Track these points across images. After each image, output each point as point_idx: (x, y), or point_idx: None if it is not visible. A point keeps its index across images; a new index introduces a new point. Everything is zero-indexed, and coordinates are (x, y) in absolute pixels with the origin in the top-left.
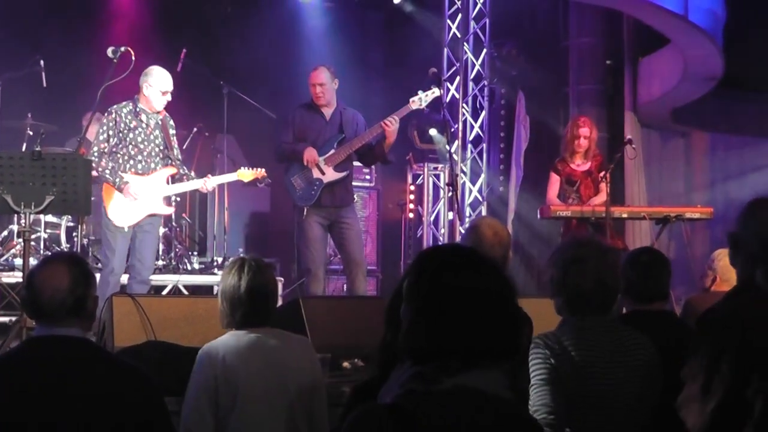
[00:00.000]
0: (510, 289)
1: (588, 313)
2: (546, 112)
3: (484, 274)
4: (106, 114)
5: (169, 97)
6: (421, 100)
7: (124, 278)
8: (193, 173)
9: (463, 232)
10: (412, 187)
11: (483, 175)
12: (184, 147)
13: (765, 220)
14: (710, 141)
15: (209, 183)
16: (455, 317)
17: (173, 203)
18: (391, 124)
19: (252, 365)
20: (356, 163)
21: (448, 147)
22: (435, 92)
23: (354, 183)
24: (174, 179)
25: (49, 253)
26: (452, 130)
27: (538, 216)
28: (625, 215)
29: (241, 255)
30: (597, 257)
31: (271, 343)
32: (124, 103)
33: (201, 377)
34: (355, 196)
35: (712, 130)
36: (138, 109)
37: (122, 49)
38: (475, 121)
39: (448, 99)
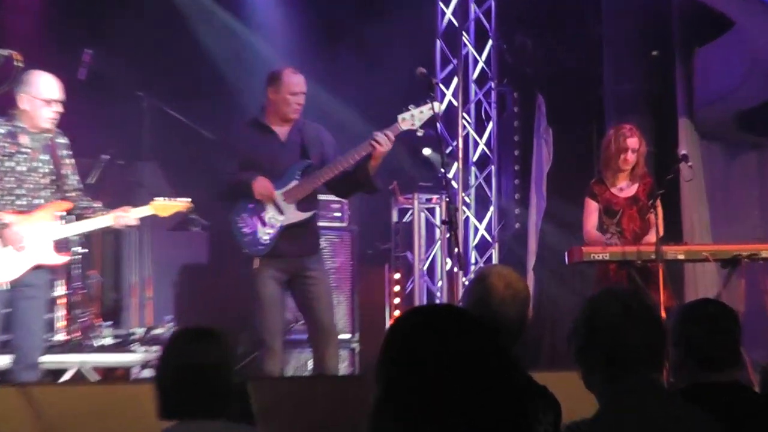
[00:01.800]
0: (509, 360)
1: (631, 372)
2: (574, 122)
3: (471, 341)
4: None
5: (57, 108)
6: (414, 117)
7: (4, 360)
8: (99, 204)
9: (467, 284)
10: (398, 227)
11: (492, 208)
12: (92, 180)
13: None
14: None
15: (124, 219)
16: (431, 398)
17: (72, 251)
18: (384, 144)
19: None
20: (323, 197)
21: (444, 171)
22: (433, 107)
23: (320, 223)
24: (71, 216)
25: None
26: (450, 148)
27: (566, 260)
28: (681, 256)
29: (169, 323)
30: (637, 311)
31: None
32: None
33: None
34: (322, 240)
35: None
36: (17, 130)
37: (5, 53)
38: (480, 136)
39: (443, 107)
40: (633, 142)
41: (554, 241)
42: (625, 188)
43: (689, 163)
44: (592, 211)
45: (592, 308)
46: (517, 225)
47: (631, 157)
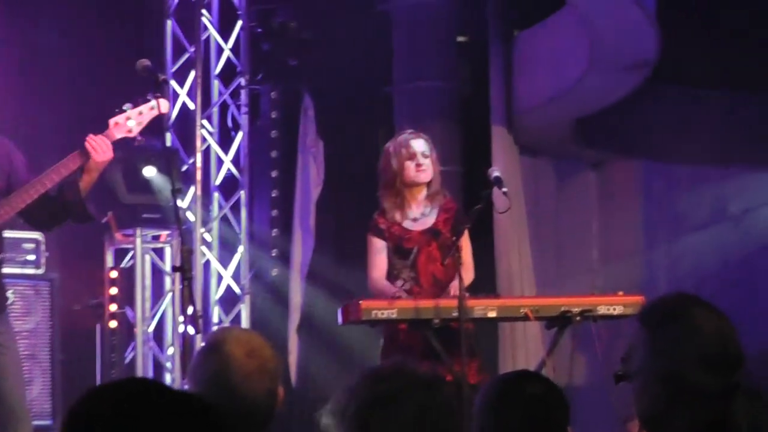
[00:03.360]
0: None
1: None
2: (354, 131)
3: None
4: None
5: None
6: (131, 120)
7: None
8: None
9: (195, 356)
10: (115, 273)
11: (242, 249)
12: None
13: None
14: (643, 175)
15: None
16: None
17: None
18: (99, 150)
19: None
20: (10, 234)
21: (175, 199)
22: (155, 106)
23: (7, 269)
24: None
25: None
26: (185, 167)
27: (340, 320)
28: (492, 313)
29: None
30: (416, 395)
31: None
32: None
33: None
34: (10, 293)
35: (646, 154)
36: None
37: None
38: (226, 151)
39: (175, 112)
40: (419, 144)
41: (326, 293)
42: (419, 218)
43: (503, 189)
44: (377, 252)
45: (350, 395)
46: (275, 271)
47: (423, 162)
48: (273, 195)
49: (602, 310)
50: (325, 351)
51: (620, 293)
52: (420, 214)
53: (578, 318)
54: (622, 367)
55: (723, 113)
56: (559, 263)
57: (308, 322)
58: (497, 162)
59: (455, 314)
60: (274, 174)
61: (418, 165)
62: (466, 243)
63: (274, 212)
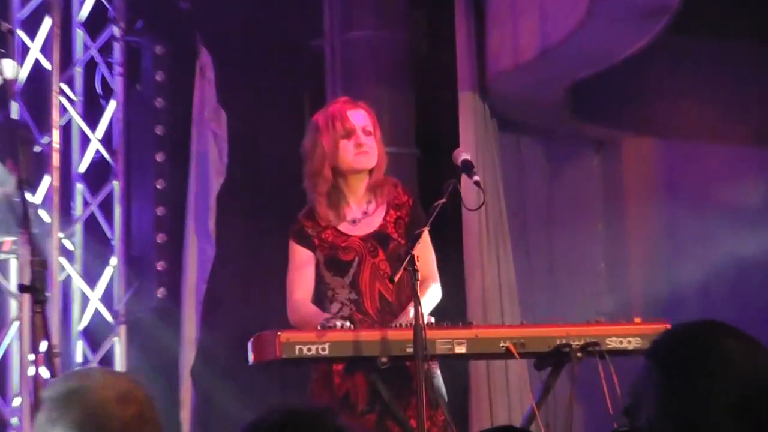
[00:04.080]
0: None
1: None
2: (270, 98)
3: None
4: None
5: None
6: None
7: None
8: None
9: (42, 407)
10: None
11: (115, 261)
12: None
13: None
14: (661, 158)
15: None
16: None
17: None
18: None
19: None
20: None
21: (22, 193)
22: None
23: None
24: None
25: None
26: (36, 149)
27: (250, 358)
28: (461, 348)
29: None
30: None
31: None
32: None
33: None
34: None
35: (665, 130)
36: None
37: None
38: (94, 128)
39: (24, 74)
40: (359, 116)
41: (232, 322)
42: (361, 219)
43: (475, 177)
44: (301, 266)
45: None
46: (161, 292)
47: (365, 142)
48: (158, 187)
49: (612, 343)
50: (230, 401)
51: (637, 319)
52: (361, 214)
53: (579, 354)
54: (626, 418)
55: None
56: (553, 278)
57: (207, 362)
58: (466, 142)
59: (410, 349)
60: (159, 158)
61: (359, 145)
62: (425, 250)
63: (160, 210)
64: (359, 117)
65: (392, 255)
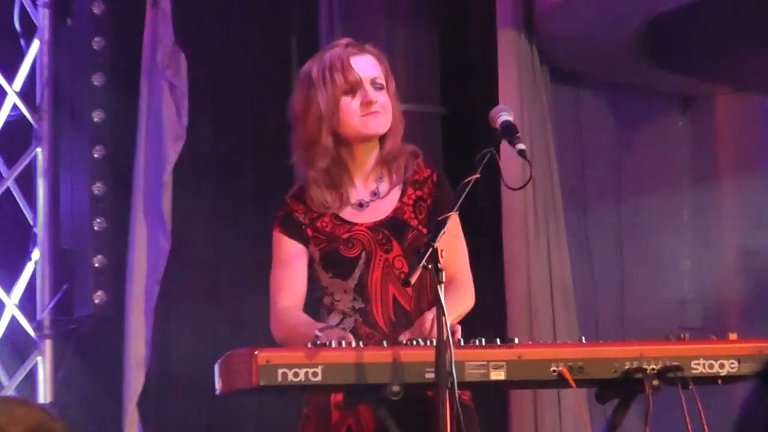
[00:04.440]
0: None
1: None
2: (245, 39)
3: None
4: None
5: None
6: None
7: None
8: None
9: None
10: None
11: (38, 253)
12: None
13: None
14: (761, 115)
15: None
16: None
17: None
18: None
19: None
20: None
21: None
22: None
23: None
24: None
25: None
26: None
27: (216, 386)
28: (499, 374)
29: None
30: None
31: None
32: None
33: None
34: None
35: (765, 86)
36: None
37: None
38: (11, 79)
39: None
40: (366, 63)
41: (193, 335)
42: (369, 202)
43: (519, 146)
44: (289, 264)
45: None
46: (98, 296)
47: (376, 98)
48: (96, 156)
49: (700, 367)
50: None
51: (732, 336)
52: (370, 195)
53: (656, 382)
54: None
55: None
56: (622, 279)
57: (160, 390)
58: (507, 98)
59: (431, 375)
60: (97, 117)
61: (367, 103)
62: (454, 242)
63: (98, 187)
64: (367, 65)
65: (410, 249)
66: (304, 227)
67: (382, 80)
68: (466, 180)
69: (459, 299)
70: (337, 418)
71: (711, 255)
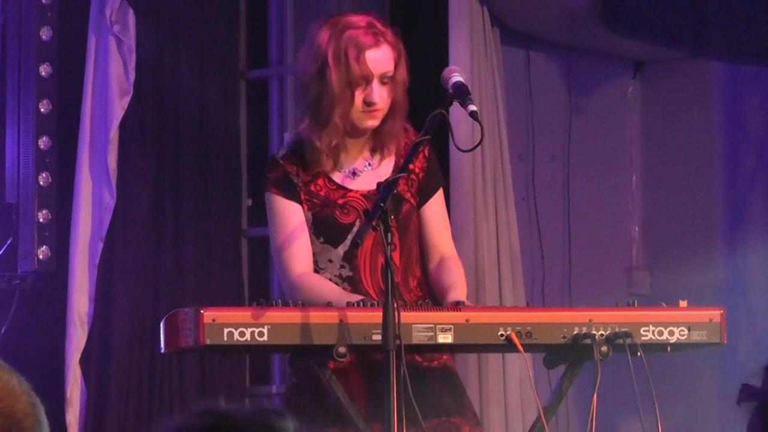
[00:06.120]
0: None
1: None
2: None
3: None
4: None
5: None
6: None
7: None
8: None
9: None
10: None
11: None
12: None
13: None
14: (725, 86)
15: None
16: None
17: None
18: None
19: None
20: None
21: None
22: None
23: None
24: None
25: None
26: None
27: (161, 345)
28: (447, 337)
29: None
30: None
31: None
32: None
33: None
34: None
35: (730, 49)
36: None
37: None
38: None
39: None
40: (381, 57)
41: (137, 294)
42: (363, 169)
43: (470, 107)
44: (293, 225)
45: None
46: (42, 251)
47: (377, 100)
48: (41, 110)
49: (649, 333)
50: (133, 401)
51: (682, 303)
52: (365, 163)
53: (605, 348)
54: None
55: None
56: (570, 245)
57: (103, 348)
58: (458, 58)
59: (377, 337)
60: (44, 71)
61: (370, 104)
62: (440, 216)
63: (43, 142)
64: (381, 59)
65: (404, 221)
66: (297, 188)
67: (391, 73)
68: (416, 141)
69: (461, 276)
70: (327, 384)
71: (660, 222)
